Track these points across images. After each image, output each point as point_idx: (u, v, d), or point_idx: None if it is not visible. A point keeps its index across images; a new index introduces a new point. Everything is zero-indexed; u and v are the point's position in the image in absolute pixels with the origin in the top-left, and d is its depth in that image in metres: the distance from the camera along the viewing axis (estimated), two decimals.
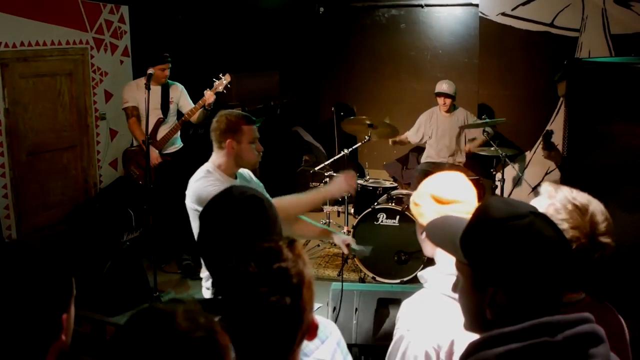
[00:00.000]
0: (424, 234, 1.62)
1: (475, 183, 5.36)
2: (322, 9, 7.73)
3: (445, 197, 1.91)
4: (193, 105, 5.29)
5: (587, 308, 1.48)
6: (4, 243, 4.76)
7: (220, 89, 5.17)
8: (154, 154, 5.15)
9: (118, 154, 6.14)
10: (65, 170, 5.75)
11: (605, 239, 1.54)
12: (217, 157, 2.92)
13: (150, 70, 4.81)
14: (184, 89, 5.45)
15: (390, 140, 6.21)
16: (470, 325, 1.29)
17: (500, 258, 1.20)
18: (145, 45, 6.10)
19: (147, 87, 4.69)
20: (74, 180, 5.83)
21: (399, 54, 7.43)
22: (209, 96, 5.12)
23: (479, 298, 1.23)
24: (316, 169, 6.11)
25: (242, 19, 7.01)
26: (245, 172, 3.09)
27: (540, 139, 4.25)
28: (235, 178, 2.97)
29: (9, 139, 5.13)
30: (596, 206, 1.59)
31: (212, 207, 1.72)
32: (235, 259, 1.26)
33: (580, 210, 1.56)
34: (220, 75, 5.20)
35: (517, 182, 6.72)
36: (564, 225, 1.52)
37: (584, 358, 1.11)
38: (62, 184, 5.72)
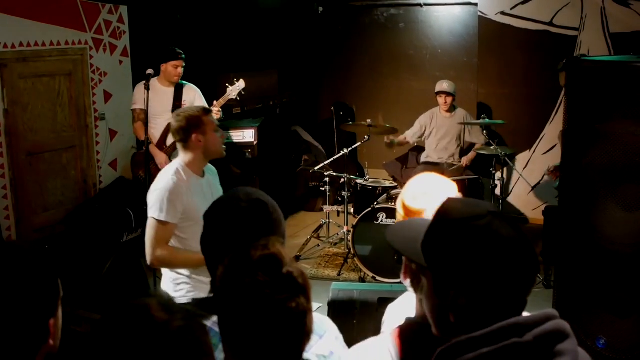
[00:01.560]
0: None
1: (474, 183, 5.39)
2: (321, 9, 7.73)
3: (413, 207, 1.88)
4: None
5: None
6: (2, 244, 4.76)
7: (233, 95, 4.93)
8: (163, 158, 4.93)
9: (118, 154, 6.14)
10: (64, 170, 5.75)
11: None
12: (185, 155, 2.94)
13: (149, 71, 4.74)
14: (199, 91, 5.14)
15: (386, 139, 6.06)
16: (437, 330, 1.27)
17: (458, 260, 1.17)
18: (144, 45, 6.10)
19: (147, 88, 4.65)
20: (73, 181, 5.83)
21: (398, 53, 7.43)
22: (214, 113, 4.74)
23: (442, 302, 1.21)
24: (316, 168, 6.11)
25: (241, 18, 7.00)
26: (211, 168, 3.13)
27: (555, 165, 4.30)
28: (203, 175, 3.01)
29: (8, 140, 5.13)
30: None
31: (217, 210, 1.71)
32: (236, 271, 1.24)
33: None
34: (235, 81, 4.94)
35: (516, 181, 6.73)
36: None
37: (553, 355, 1.10)
38: (62, 185, 5.72)
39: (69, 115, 5.74)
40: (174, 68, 4.91)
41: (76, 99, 5.77)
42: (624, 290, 3.01)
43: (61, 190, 5.71)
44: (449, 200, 1.29)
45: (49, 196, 5.58)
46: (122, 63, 6.13)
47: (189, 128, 2.88)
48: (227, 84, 4.96)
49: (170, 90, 5.01)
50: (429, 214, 1.80)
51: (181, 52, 4.94)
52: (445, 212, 1.24)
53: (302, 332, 1.24)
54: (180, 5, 6.43)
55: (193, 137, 2.89)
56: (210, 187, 3.04)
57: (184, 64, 4.95)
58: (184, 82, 5.08)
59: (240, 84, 4.93)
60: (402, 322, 1.48)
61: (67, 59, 5.64)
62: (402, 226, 1.45)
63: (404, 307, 1.79)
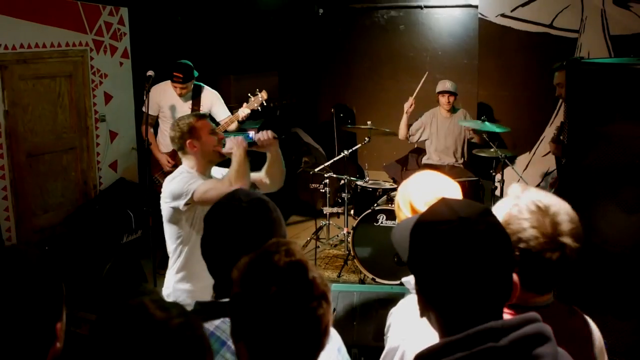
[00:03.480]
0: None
1: (474, 184, 5.39)
2: (321, 10, 7.73)
3: (419, 207, 1.84)
4: (229, 113, 5.03)
5: (553, 312, 1.46)
6: (2, 247, 4.77)
7: (256, 105, 4.92)
8: (164, 158, 5.03)
9: (118, 155, 6.14)
10: (64, 172, 5.75)
11: (565, 239, 1.46)
12: (187, 162, 2.99)
13: (149, 73, 4.74)
14: (218, 95, 5.13)
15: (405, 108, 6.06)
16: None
17: (418, 263, 1.19)
18: (145, 47, 6.10)
19: (147, 90, 4.67)
20: (73, 182, 5.83)
21: (398, 55, 7.43)
22: (242, 113, 4.90)
23: (420, 304, 1.24)
24: (316, 170, 6.11)
25: (241, 20, 7.01)
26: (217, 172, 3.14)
27: (555, 130, 4.22)
28: (210, 177, 3.03)
29: (8, 141, 5.13)
30: (561, 207, 1.53)
31: (217, 212, 1.70)
32: (262, 278, 1.21)
33: (542, 211, 1.49)
34: (257, 92, 4.94)
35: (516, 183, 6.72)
36: (524, 225, 1.47)
37: (531, 359, 1.10)
38: (62, 186, 5.72)
39: (69, 117, 5.74)
40: (173, 87, 4.92)
41: (76, 101, 5.77)
42: (624, 292, 3.01)
43: (61, 191, 5.71)
44: (438, 201, 1.27)
45: (49, 197, 5.58)
46: (122, 65, 6.13)
47: (182, 135, 2.94)
48: (249, 94, 4.96)
49: (188, 95, 5.02)
50: None
51: (179, 75, 4.82)
52: (422, 215, 1.26)
53: (325, 337, 1.24)
54: (180, 7, 6.44)
55: (187, 144, 2.93)
56: None
57: (182, 85, 4.86)
58: (202, 84, 5.09)
59: (263, 95, 4.92)
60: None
61: (67, 61, 5.64)
62: (403, 225, 1.45)
63: (411, 310, 1.77)
